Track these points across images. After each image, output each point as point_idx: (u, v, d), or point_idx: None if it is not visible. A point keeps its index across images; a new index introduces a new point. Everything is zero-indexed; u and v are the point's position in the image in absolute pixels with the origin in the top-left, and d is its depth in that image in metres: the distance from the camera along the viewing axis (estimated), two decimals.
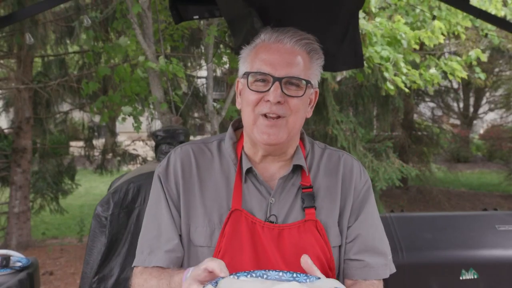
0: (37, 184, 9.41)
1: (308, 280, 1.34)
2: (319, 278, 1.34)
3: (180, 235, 1.59)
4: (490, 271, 2.74)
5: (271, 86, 1.48)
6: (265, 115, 1.50)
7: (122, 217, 2.70)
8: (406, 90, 6.70)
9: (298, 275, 1.36)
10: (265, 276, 1.36)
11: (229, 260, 1.48)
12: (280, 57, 1.51)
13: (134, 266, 1.61)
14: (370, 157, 9.44)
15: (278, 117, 1.50)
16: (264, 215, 1.56)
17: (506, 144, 16.47)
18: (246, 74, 1.54)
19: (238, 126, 1.69)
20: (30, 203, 9.05)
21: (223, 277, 1.34)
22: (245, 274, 1.35)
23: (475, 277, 2.73)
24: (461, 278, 2.73)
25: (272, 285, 1.30)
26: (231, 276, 1.34)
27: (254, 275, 1.35)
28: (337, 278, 1.62)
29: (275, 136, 1.50)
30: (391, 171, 9.60)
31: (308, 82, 1.52)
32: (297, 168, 1.60)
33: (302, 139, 1.68)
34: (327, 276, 1.56)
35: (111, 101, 6.17)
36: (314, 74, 1.57)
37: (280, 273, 1.36)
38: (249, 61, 1.56)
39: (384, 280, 1.65)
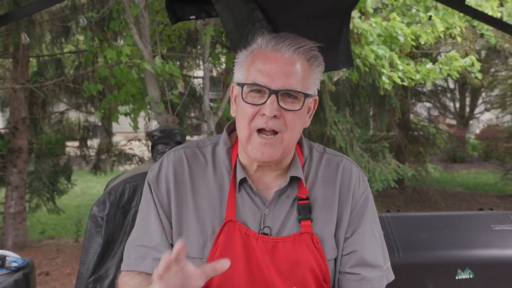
0: (33, 184, 9.39)
1: None
2: None
3: (172, 244, 1.54)
4: (485, 271, 2.74)
5: (267, 99, 1.42)
6: (259, 131, 1.45)
7: (118, 217, 2.69)
8: (404, 83, 6.70)
9: None
10: None
11: (222, 273, 1.47)
12: (277, 67, 1.43)
13: (121, 270, 1.57)
14: (367, 157, 9.46)
15: (273, 132, 1.44)
16: (258, 226, 1.51)
17: (502, 144, 16.48)
18: (241, 85, 1.47)
19: (233, 129, 1.62)
20: (26, 203, 9.03)
21: None
22: None
23: (471, 276, 2.73)
24: (456, 277, 2.74)
25: None
26: None
27: None
28: None
29: (268, 154, 1.45)
30: (387, 171, 9.63)
31: (306, 95, 1.46)
32: (294, 179, 1.55)
33: (300, 143, 1.62)
34: None
35: (116, 100, 6.18)
36: (313, 82, 1.50)
37: None
38: (245, 67, 1.49)
39: None
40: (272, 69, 1.43)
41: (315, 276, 1.51)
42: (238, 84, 1.50)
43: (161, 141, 3.07)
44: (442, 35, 6.66)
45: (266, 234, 1.51)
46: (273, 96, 1.42)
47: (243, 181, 1.54)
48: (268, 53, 1.46)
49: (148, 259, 1.51)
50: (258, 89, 1.44)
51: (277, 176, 1.57)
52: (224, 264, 1.26)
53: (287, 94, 1.44)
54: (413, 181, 13.19)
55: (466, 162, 20.22)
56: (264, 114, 1.43)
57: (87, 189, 14.13)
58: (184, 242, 1.21)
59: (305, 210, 1.53)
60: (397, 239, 2.89)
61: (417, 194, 13.59)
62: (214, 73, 11.30)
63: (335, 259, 1.57)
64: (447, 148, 17.35)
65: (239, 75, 1.51)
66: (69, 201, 11.82)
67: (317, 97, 1.57)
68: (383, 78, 6.54)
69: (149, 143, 3.23)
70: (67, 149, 11.37)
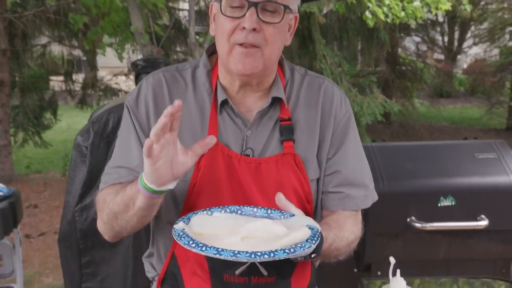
0: (18, 119, 9.31)
1: (282, 217, 1.34)
2: (293, 215, 1.33)
3: None
4: (467, 198, 2.79)
5: (246, 12, 1.39)
6: (240, 45, 1.42)
7: (103, 147, 2.67)
8: (388, 20, 6.60)
9: (273, 211, 1.36)
10: (239, 211, 1.35)
11: (205, 194, 1.46)
12: None
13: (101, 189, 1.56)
14: (355, 91, 9.44)
15: (254, 46, 1.42)
16: (240, 148, 1.51)
17: (488, 79, 16.52)
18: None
19: (213, 51, 1.59)
20: (11, 137, 8.97)
21: (196, 213, 1.33)
22: (219, 209, 1.35)
23: (453, 203, 2.78)
24: (439, 205, 2.78)
25: (245, 222, 1.29)
26: (204, 212, 1.33)
27: (228, 210, 1.35)
28: (315, 210, 1.61)
29: (250, 66, 1.42)
30: (374, 106, 9.65)
31: (286, 7, 1.43)
32: (276, 100, 1.54)
33: (281, 65, 1.61)
34: (305, 209, 1.54)
35: (103, 32, 6.04)
36: None
37: (255, 209, 1.36)
38: None
39: (365, 208, 1.65)
40: None
41: (298, 196, 1.52)
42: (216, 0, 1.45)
43: (145, 70, 3.02)
44: None
45: (248, 156, 1.51)
46: (252, 9, 1.38)
47: (224, 103, 1.53)
48: None
49: (130, 177, 1.50)
50: (237, 4, 1.40)
51: (259, 98, 1.55)
52: (210, 140, 1.26)
53: (267, 7, 1.40)
54: (400, 116, 13.27)
55: (452, 97, 20.32)
56: (243, 28, 1.39)
57: (72, 124, 14.02)
58: (181, 103, 1.21)
59: (287, 131, 1.52)
60: (382, 168, 2.91)
61: (403, 128, 13.70)
62: (201, 5, 11.03)
63: (318, 180, 1.58)
64: (434, 83, 17.35)
65: None
66: (55, 136, 11.78)
67: (297, 15, 1.54)
68: (367, 13, 6.42)
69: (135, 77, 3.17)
70: (52, 83, 11.22)
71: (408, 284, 1.61)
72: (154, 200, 1.33)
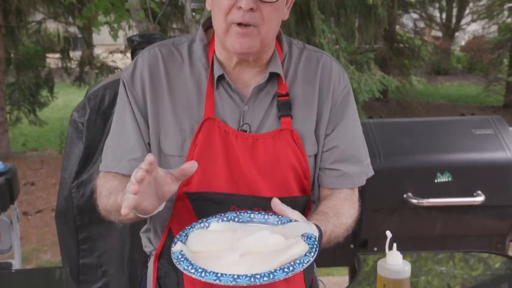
0: (13, 96, 9.26)
1: (279, 222, 1.33)
2: (290, 221, 1.32)
3: (149, 144, 1.54)
4: (463, 173, 2.80)
5: None
6: (238, 24, 1.39)
7: (99, 123, 2.66)
8: None
9: (270, 216, 1.34)
10: (236, 219, 1.35)
11: (202, 170, 1.44)
12: None
13: (99, 171, 1.57)
14: (352, 69, 9.40)
15: (251, 25, 1.39)
16: (237, 123, 1.50)
17: (486, 56, 16.41)
18: None
19: (209, 26, 1.56)
20: (7, 114, 8.92)
21: (192, 227, 1.32)
22: (216, 219, 1.34)
23: (449, 179, 2.79)
24: (436, 181, 2.79)
25: (243, 233, 1.28)
26: (201, 224, 1.33)
27: (225, 218, 1.34)
28: (312, 186, 1.60)
29: (247, 45, 1.41)
30: (372, 82, 9.61)
31: None
32: (273, 75, 1.52)
33: (279, 39, 1.58)
34: (303, 185, 1.55)
35: (97, 8, 5.97)
36: None
37: (252, 215, 1.36)
38: None
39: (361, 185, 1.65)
40: None
41: (295, 172, 1.52)
42: None
43: (141, 46, 2.98)
44: None
45: (245, 131, 1.49)
46: None
47: (221, 78, 1.50)
48: None
49: (124, 161, 1.51)
50: None
51: (256, 73, 1.53)
52: (191, 165, 1.25)
53: None
54: (397, 93, 13.23)
55: (450, 74, 20.21)
56: (240, 7, 1.37)
57: (69, 101, 13.93)
58: (154, 158, 1.18)
59: (285, 107, 1.51)
60: (379, 144, 2.91)
61: (400, 106, 13.67)
62: None
63: (315, 156, 1.57)
64: (431, 60, 17.25)
65: None
66: (52, 113, 11.72)
67: None
68: None
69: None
70: (48, 60, 11.13)
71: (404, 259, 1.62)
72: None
